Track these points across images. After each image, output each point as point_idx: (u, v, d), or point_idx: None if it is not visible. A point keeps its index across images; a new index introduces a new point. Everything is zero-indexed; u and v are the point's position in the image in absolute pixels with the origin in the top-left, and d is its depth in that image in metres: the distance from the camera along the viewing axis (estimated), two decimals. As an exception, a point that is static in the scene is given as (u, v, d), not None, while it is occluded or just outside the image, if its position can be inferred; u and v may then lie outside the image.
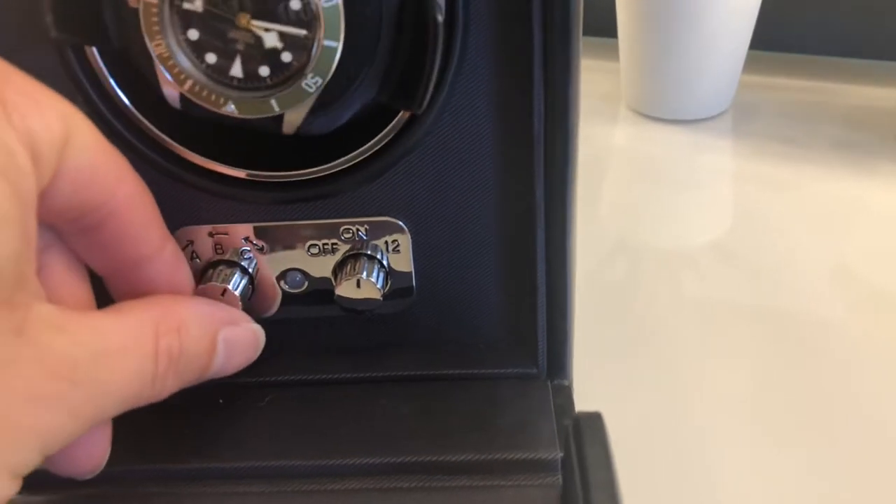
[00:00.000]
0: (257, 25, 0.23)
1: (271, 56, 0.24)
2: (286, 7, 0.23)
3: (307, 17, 0.23)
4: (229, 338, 0.26)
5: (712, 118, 0.59)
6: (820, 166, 0.53)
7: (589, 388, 0.36)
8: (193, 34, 0.24)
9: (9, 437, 0.20)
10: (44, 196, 0.22)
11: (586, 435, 0.24)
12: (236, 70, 0.24)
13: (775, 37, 0.63)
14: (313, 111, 0.25)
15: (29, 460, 0.20)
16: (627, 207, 0.52)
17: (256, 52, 0.24)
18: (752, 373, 0.39)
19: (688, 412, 0.37)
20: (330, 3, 0.23)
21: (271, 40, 0.24)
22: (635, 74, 0.58)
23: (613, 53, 0.59)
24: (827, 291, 0.43)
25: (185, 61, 0.24)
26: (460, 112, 0.27)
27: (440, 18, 0.24)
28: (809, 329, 0.41)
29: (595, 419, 0.25)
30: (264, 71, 0.24)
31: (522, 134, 0.27)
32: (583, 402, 0.32)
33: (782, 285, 0.44)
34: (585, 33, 0.66)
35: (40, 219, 0.22)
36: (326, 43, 0.23)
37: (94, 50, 0.26)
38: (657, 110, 0.58)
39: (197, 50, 0.24)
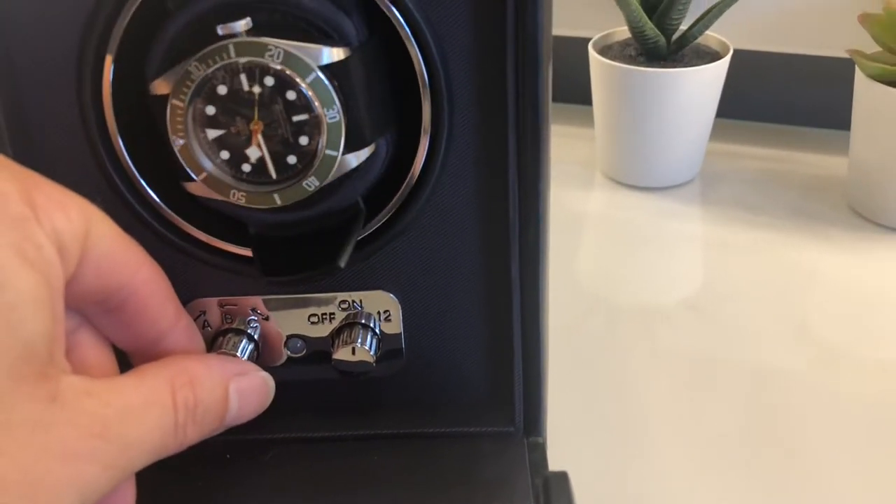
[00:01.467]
0: (268, 133, 0.27)
1: (278, 159, 0.27)
2: (294, 118, 0.27)
3: (312, 129, 0.27)
4: (241, 387, 0.29)
5: (682, 185, 0.63)
6: (779, 232, 0.57)
7: (565, 441, 0.40)
8: (212, 134, 0.28)
9: (52, 493, 0.22)
10: (71, 282, 0.25)
11: (554, 493, 0.27)
12: (246, 167, 0.28)
13: (740, 106, 0.68)
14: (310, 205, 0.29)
15: None
16: (603, 267, 0.56)
17: (265, 154, 0.27)
18: (719, 424, 0.42)
19: (655, 465, 0.40)
20: (333, 119, 0.27)
21: (279, 146, 0.27)
22: (609, 144, 0.62)
23: (591, 120, 0.63)
24: (788, 347, 0.47)
25: (201, 156, 0.28)
26: (445, 202, 0.31)
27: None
28: (773, 382, 0.45)
29: (562, 478, 0.28)
30: (271, 170, 0.28)
31: (499, 222, 0.31)
32: (558, 456, 0.36)
33: (748, 341, 0.47)
34: (564, 101, 0.71)
35: (69, 304, 0.25)
36: (328, 152, 0.27)
37: (120, 140, 0.30)
38: (630, 178, 0.62)
39: (213, 147, 0.28)
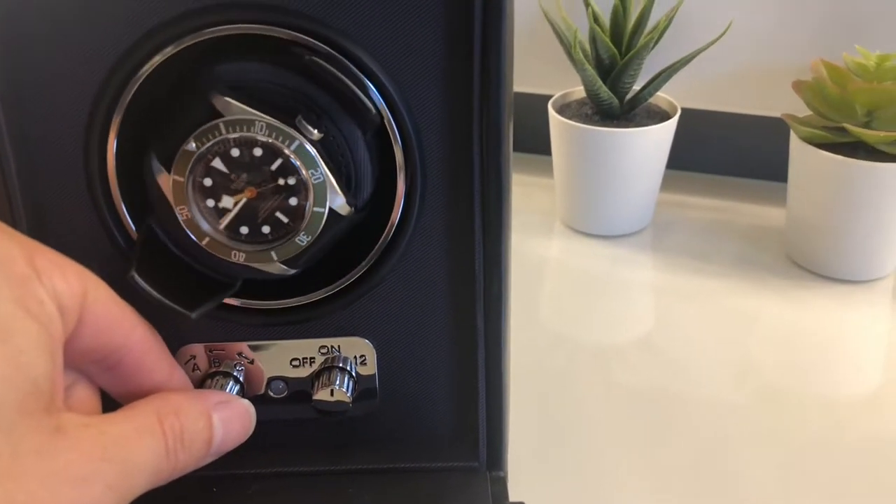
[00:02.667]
0: (260, 197, 0.30)
1: (271, 220, 0.31)
2: (284, 182, 0.30)
3: (300, 189, 0.30)
4: (223, 415, 0.31)
5: (635, 234, 0.67)
6: (723, 279, 0.61)
7: (527, 473, 0.43)
8: (210, 203, 0.31)
9: None
10: (70, 341, 0.28)
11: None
12: (244, 230, 0.31)
13: (689, 159, 0.72)
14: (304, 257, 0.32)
15: None
16: (563, 310, 0.60)
17: (260, 217, 0.31)
18: (669, 456, 0.45)
19: (610, 494, 0.43)
20: (318, 180, 0.30)
21: (272, 208, 0.31)
22: (567, 195, 0.66)
23: (552, 169, 0.67)
24: (732, 385, 0.51)
25: (202, 222, 0.31)
26: (417, 258, 0.34)
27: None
28: (718, 416, 0.48)
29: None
30: (266, 230, 0.31)
31: (467, 277, 0.34)
32: (519, 488, 0.39)
33: (695, 379, 0.51)
34: (526, 150, 0.75)
35: (69, 362, 0.28)
36: (315, 209, 0.30)
37: (121, 199, 0.33)
38: (587, 227, 0.66)
39: (213, 215, 0.31)
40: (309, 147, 0.30)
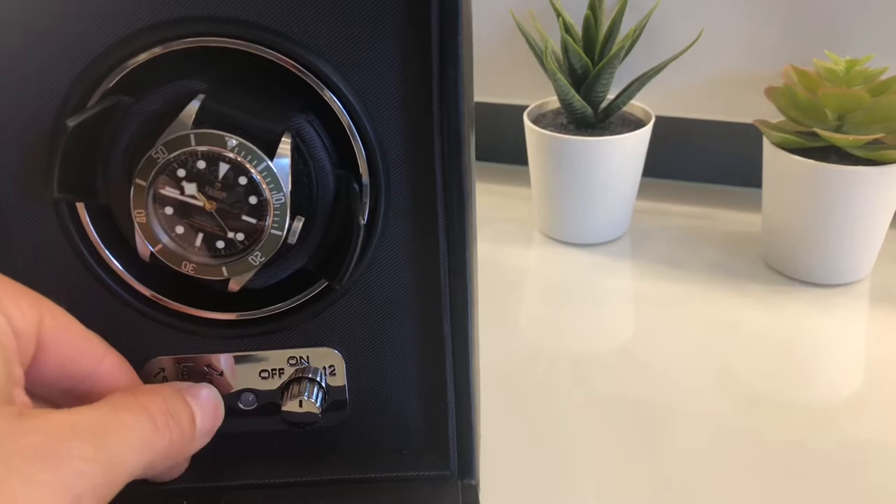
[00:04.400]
0: (220, 212, 0.30)
1: (228, 235, 0.31)
2: (245, 200, 0.30)
3: (260, 210, 0.30)
4: (198, 399, 0.31)
5: (613, 241, 0.67)
6: (701, 286, 0.61)
7: (504, 482, 0.43)
8: (169, 211, 0.31)
9: (32, 488, 0.23)
10: (36, 369, 0.28)
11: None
12: (198, 242, 0.31)
13: (665, 167, 0.73)
14: (253, 276, 0.32)
15: None
16: (543, 318, 0.60)
17: (216, 231, 0.31)
18: (648, 463, 0.45)
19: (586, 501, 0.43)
20: (279, 202, 0.30)
21: (230, 224, 0.31)
22: (545, 205, 0.66)
23: (529, 179, 0.68)
24: (712, 391, 0.51)
25: (158, 229, 0.31)
26: (384, 267, 0.34)
27: (362, 222, 0.31)
28: (698, 422, 0.48)
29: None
30: (220, 245, 0.31)
31: (433, 287, 0.34)
32: (496, 497, 0.39)
33: (675, 386, 0.51)
34: (505, 161, 0.75)
35: (38, 391, 0.28)
36: (273, 231, 0.30)
37: (84, 210, 0.33)
38: (565, 235, 0.67)
39: (169, 223, 0.31)
40: (276, 170, 0.30)
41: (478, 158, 0.79)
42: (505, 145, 0.74)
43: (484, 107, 0.76)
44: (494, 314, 0.59)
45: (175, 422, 0.29)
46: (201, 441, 0.31)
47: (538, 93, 0.68)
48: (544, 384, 0.52)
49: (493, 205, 0.74)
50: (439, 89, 0.31)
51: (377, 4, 0.30)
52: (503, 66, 0.75)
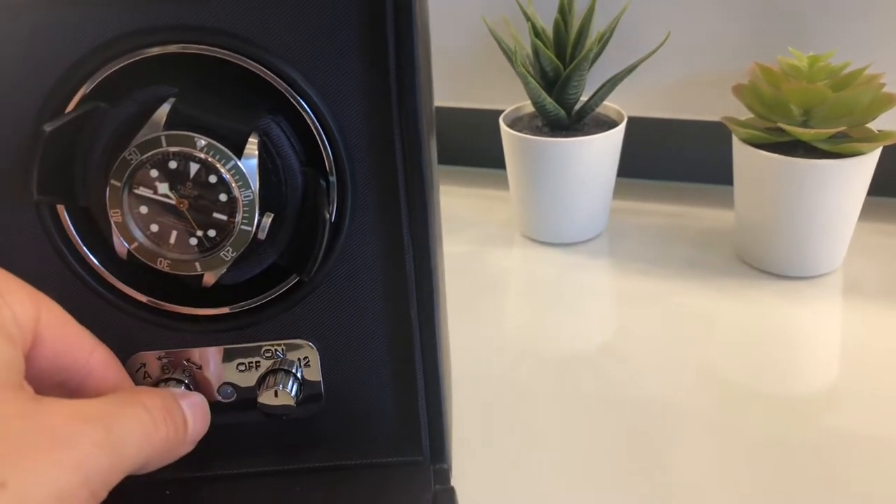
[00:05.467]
0: (192, 210, 0.32)
1: (200, 232, 0.32)
2: (215, 198, 0.32)
3: (230, 207, 0.32)
4: (186, 401, 0.33)
5: (591, 240, 0.69)
6: (677, 282, 0.63)
7: (485, 470, 0.44)
8: (143, 210, 0.32)
9: (49, 466, 0.24)
10: (31, 362, 0.29)
11: None
12: (172, 239, 0.33)
13: (639, 166, 0.75)
14: (226, 271, 0.33)
15: (73, 489, 0.25)
16: (525, 317, 0.61)
17: (189, 228, 0.32)
18: (628, 456, 0.46)
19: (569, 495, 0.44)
20: (248, 199, 0.32)
21: (201, 221, 0.32)
22: (524, 206, 0.68)
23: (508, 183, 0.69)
24: (690, 386, 0.52)
25: (134, 228, 0.33)
26: (352, 260, 0.36)
27: (328, 216, 0.33)
28: (678, 417, 0.49)
29: (449, 493, 0.33)
30: (193, 241, 0.33)
31: (400, 276, 0.36)
32: (474, 484, 0.39)
33: (655, 381, 0.52)
34: (486, 165, 0.77)
35: (32, 384, 0.28)
36: (243, 227, 0.32)
37: (65, 211, 0.34)
38: (545, 236, 0.68)
39: (144, 221, 0.33)
40: (244, 168, 0.32)
41: (459, 163, 0.82)
42: (486, 149, 0.75)
43: (464, 112, 0.78)
44: (478, 314, 0.61)
45: (172, 421, 0.30)
46: (190, 445, 0.33)
47: (516, 97, 0.69)
48: (527, 381, 0.53)
49: (475, 208, 0.75)
50: (397, 89, 0.33)
51: (336, 10, 0.32)
52: (481, 72, 0.77)
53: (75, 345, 0.31)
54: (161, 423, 0.30)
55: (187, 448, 0.32)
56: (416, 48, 0.32)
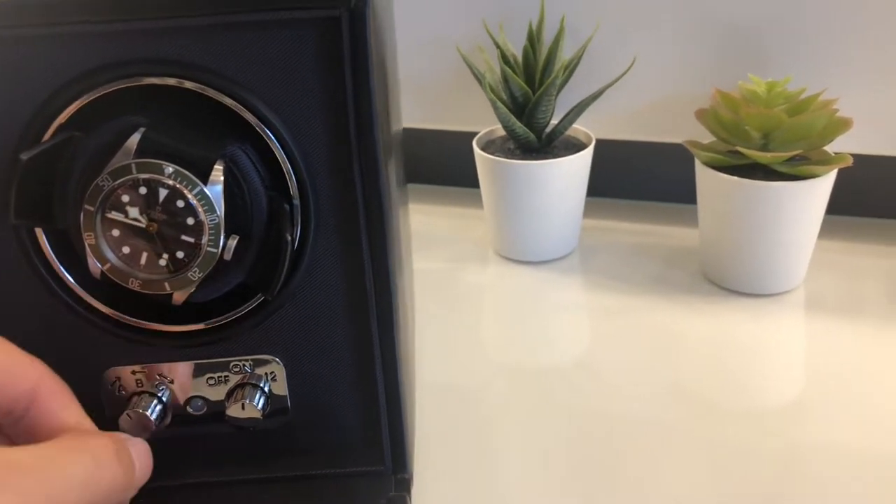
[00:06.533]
0: (161, 233, 0.34)
1: (169, 253, 0.34)
2: (183, 221, 0.34)
3: (197, 230, 0.34)
4: (137, 449, 0.33)
5: (563, 258, 0.71)
6: (645, 299, 0.64)
7: (454, 483, 0.45)
8: (115, 233, 0.34)
9: None
10: None
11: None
12: (143, 260, 0.35)
13: (608, 186, 0.77)
14: (195, 290, 0.35)
15: None
16: (499, 333, 0.63)
17: (158, 250, 0.34)
18: (598, 469, 0.47)
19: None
20: (213, 222, 0.34)
21: (170, 243, 0.34)
22: (497, 225, 0.70)
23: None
24: (659, 400, 0.53)
25: (107, 250, 0.35)
26: (315, 280, 0.38)
27: (291, 238, 0.35)
28: (646, 430, 0.50)
29: (401, 499, 0.35)
30: (163, 262, 0.35)
31: (361, 295, 0.38)
32: (438, 494, 0.40)
33: (625, 395, 0.54)
34: (461, 185, 0.79)
35: None
36: (209, 249, 0.34)
37: (42, 233, 0.36)
38: (518, 254, 0.70)
39: (116, 244, 0.35)
40: (210, 194, 0.34)
41: (435, 182, 0.84)
42: (461, 169, 0.77)
43: (439, 134, 0.80)
44: (451, 329, 0.62)
45: (119, 464, 0.30)
46: (134, 490, 0.32)
47: (490, 120, 0.72)
48: (499, 395, 0.55)
49: (450, 226, 0.77)
50: (355, 120, 0.35)
51: (295, 46, 0.34)
52: (456, 95, 0.79)
53: (19, 375, 0.31)
54: (107, 467, 0.30)
55: (131, 493, 0.32)
56: (372, 83, 0.34)
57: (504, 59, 0.64)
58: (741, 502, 0.45)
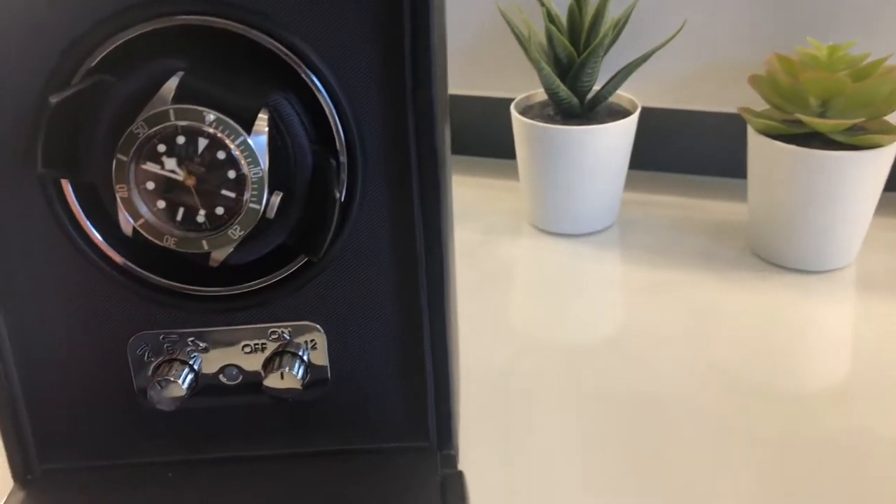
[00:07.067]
0: (200, 186, 0.31)
1: (207, 209, 0.32)
2: (224, 174, 0.31)
3: (238, 184, 0.31)
4: None
5: (601, 231, 0.68)
6: (688, 275, 0.62)
7: (489, 458, 0.44)
8: (150, 185, 0.32)
9: None
10: None
11: (450, 489, 0.31)
12: (179, 216, 0.32)
13: (651, 158, 0.74)
14: (234, 250, 0.33)
15: None
16: (532, 309, 0.60)
17: (196, 205, 0.32)
18: (633, 449, 0.46)
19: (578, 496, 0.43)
20: (256, 176, 0.31)
21: (209, 198, 0.32)
22: (533, 196, 0.67)
23: (517, 173, 0.69)
24: (700, 381, 0.51)
25: (140, 204, 0.32)
26: (362, 243, 0.35)
27: (338, 196, 0.32)
28: (686, 413, 0.48)
29: (458, 477, 0.33)
30: (201, 219, 0.32)
31: (410, 259, 0.35)
32: (477, 467, 0.39)
33: (664, 377, 0.51)
34: (493, 156, 0.76)
35: None
36: (251, 205, 0.31)
37: (69, 186, 0.34)
38: (554, 226, 0.68)
39: (151, 197, 0.32)
40: (253, 145, 0.31)
41: (468, 153, 0.81)
42: (495, 139, 0.75)
43: (472, 100, 0.77)
44: (483, 303, 0.60)
45: None
46: None
47: (526, 85, 0.69)
48: (533, 372, 0.53)
49: (482, 198, 0.74)
50: (412, 73, 0.32)
51: None
52: (491, 59, 0.76)
53: None
54: None
55: None
56: (433, 34, 0.31)
57: (549, 17, 0.61)
58: (780, 490, 0.43)
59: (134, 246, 0.34)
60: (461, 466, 0.38)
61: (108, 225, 0.34)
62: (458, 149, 0.80)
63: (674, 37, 0.62)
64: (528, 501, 0.42)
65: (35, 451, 0.37)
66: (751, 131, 0.60)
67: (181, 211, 0.32)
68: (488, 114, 0.76)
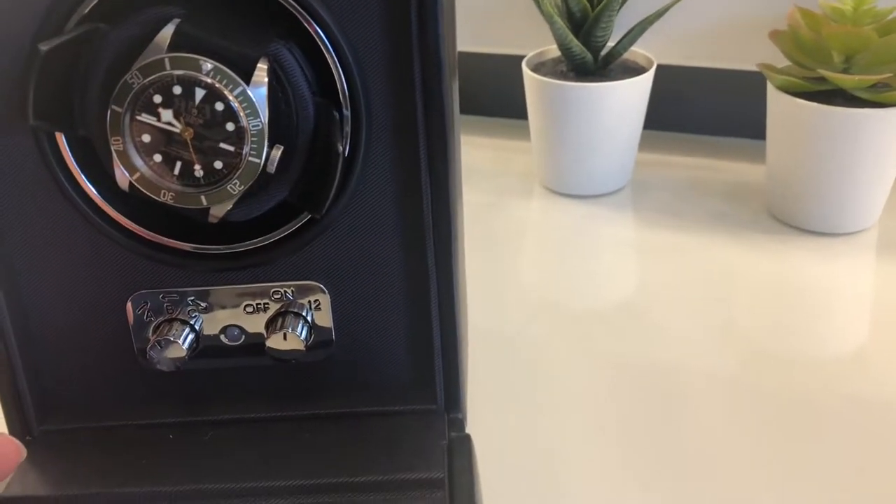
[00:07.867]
0: (197, 139, 0.30)
1: (205, 163, 0.30)
2: (222, 126, 0.30)
3: (238, 137, 0.30)
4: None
5: (614, 193, 0.66)
6: (703, 236, 0.60)
7: (497, 422, 0.43)
8: (146, 138, 0.31)
9: None
10: None
11: (456, 452, 0.31)
12: (176, 170, 0.31)
13: (666, 118, 0.72)
14: (234, 206, 0.31)
15: None
16: (544, 272, 0.59)
17: (193, 159, 0.30)
18: (645, 414, 0.45)
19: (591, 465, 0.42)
20: (256, 129, 0.30)
21: (207, 152, 0.30)
22: (545, 156, 0.65)
23: (528, 133, 0.67)
24: (716, 346, 0.50)
25: (136, 157, 0.31)
26: (367, 200, 0.34)
27: (342, 150, 0.31)
28: (701, 378, 0.47)
29: (465, 440, 0.31)
30: (199, 173, 0.31)
31: (416, 216, 0.34)
32: (485, 432, 0.38)
33: (679, 342, 0.50)
34: (503, 115, 0.74)
35: None
36: (251, 159, 0.30)
37: (63, 139, 0.33)
38: (566, 187, 0.66)
39: (147, 150, 0.31)
40: (253, 96, 0.30)
41: (478, 112, 0.79)
42: (506, 98, 0.73)
43: (482, 57, 0.75)
44: (495, 268, 0.59)
45: None
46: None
47: (538, 42, 0.67)
48: (543, 336, 0.52)
49: (493, 158, 0.73)
50: (417, 17, 0.31)
51: None
52: (502, 13, 0.74)
53: None
54: None
55: None
56: None
57: (563, -31, 0.59)
58: (797, 457, 0.42)
59: (132, 202, 0.33)
60: (469, 430, 0.37)
61: (106, 180, 0.33)
62: (468, 108, 0.79)
63: (692, -10, 0.60)
64: (537, 465, 0.42)
65: (34, 413, 0.37)
66: (771, 88, 0.58)
67: (178, 165, 0.31)
68: (499, 71, 0.74)
